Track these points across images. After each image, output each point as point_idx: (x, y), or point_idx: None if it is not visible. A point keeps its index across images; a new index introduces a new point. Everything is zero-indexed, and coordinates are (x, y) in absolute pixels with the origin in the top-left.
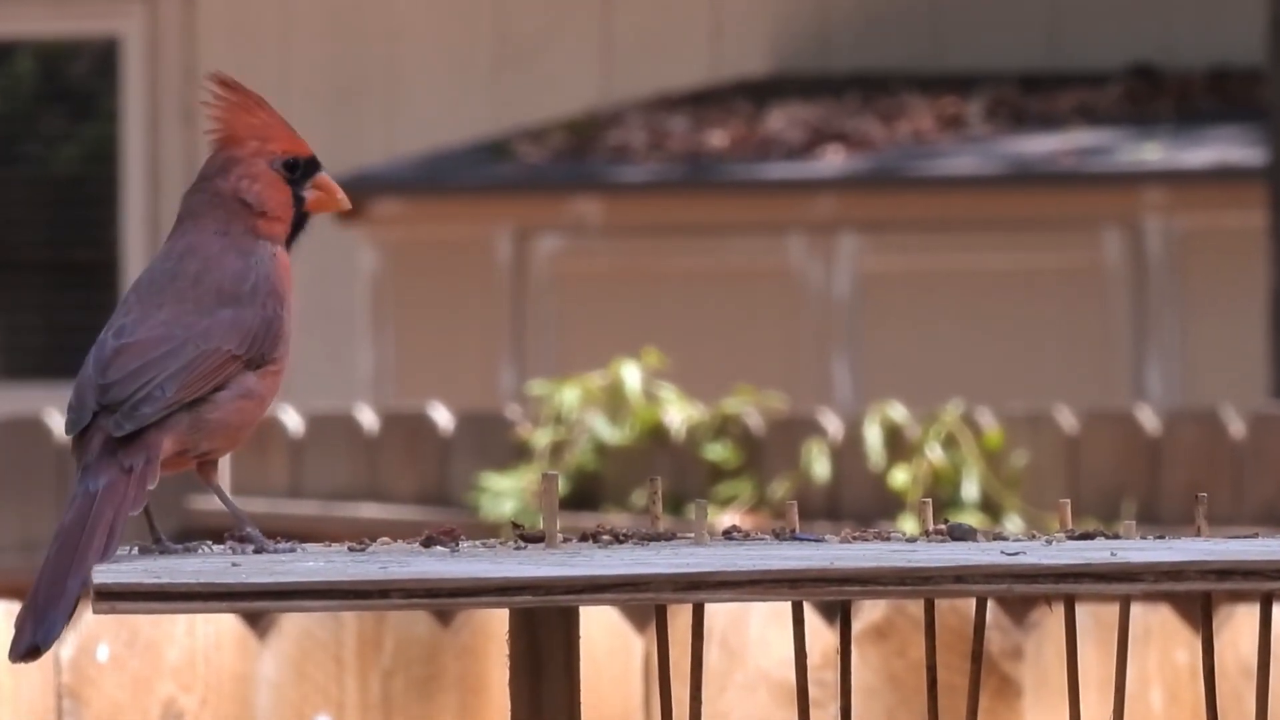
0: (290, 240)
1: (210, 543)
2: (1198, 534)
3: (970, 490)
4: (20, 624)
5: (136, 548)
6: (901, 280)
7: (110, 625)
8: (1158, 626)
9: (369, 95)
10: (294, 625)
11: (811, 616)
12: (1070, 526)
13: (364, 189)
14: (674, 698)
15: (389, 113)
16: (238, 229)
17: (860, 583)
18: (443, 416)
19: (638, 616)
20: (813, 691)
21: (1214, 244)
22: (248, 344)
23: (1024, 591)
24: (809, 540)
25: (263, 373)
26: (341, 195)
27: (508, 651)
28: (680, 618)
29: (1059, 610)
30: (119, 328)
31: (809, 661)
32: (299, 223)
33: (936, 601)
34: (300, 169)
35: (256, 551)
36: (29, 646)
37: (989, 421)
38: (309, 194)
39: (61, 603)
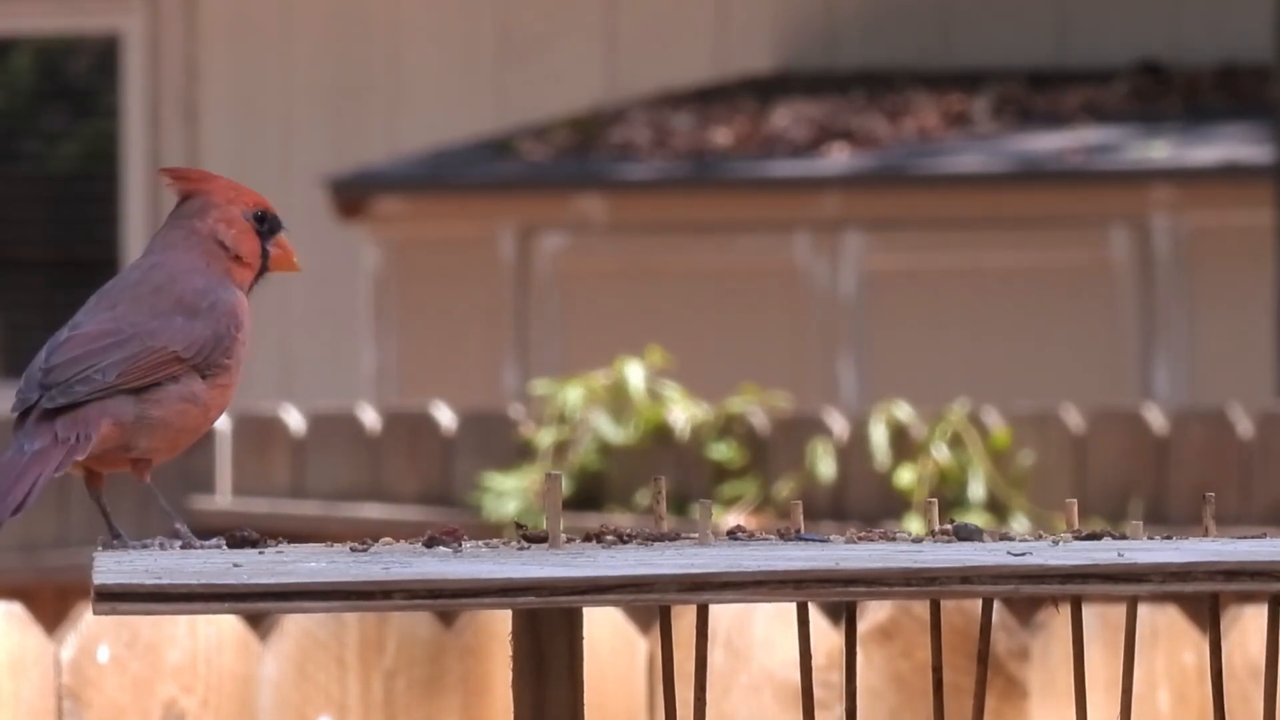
0: (250, 289)
1: (163, 539)
2: (1205, 534)
3: (976, 490)
4: None
5: (101, 546)
6: (907, 278)
7: (111, 626)
8: (1165, 627)
9: (371, 92)
10: (296, 626)
11: (816, 617)
12: (1077, 526)
13: (366, 187)
14: (678, 699)
15: (391, 110)
16: (216, 268)
17: (865, 583)
18: (445, 416)
19: (641, 617)
20: (817, 693)
21: (1222, 242)
22: (194, 350)
23: (1030, 592)
24: (814, 540)
25: (211, 383)
26: (297, 258)
27: (511, 652)
28: (684, 618)
29: (1065, 611)
30: (73, 323)
31: (814, 662)
32: (260, 273)
33: (942, 602)
34: (268, 222)
35: (184, 548)
36: None
37: (995, 421)
38: (272, 249)
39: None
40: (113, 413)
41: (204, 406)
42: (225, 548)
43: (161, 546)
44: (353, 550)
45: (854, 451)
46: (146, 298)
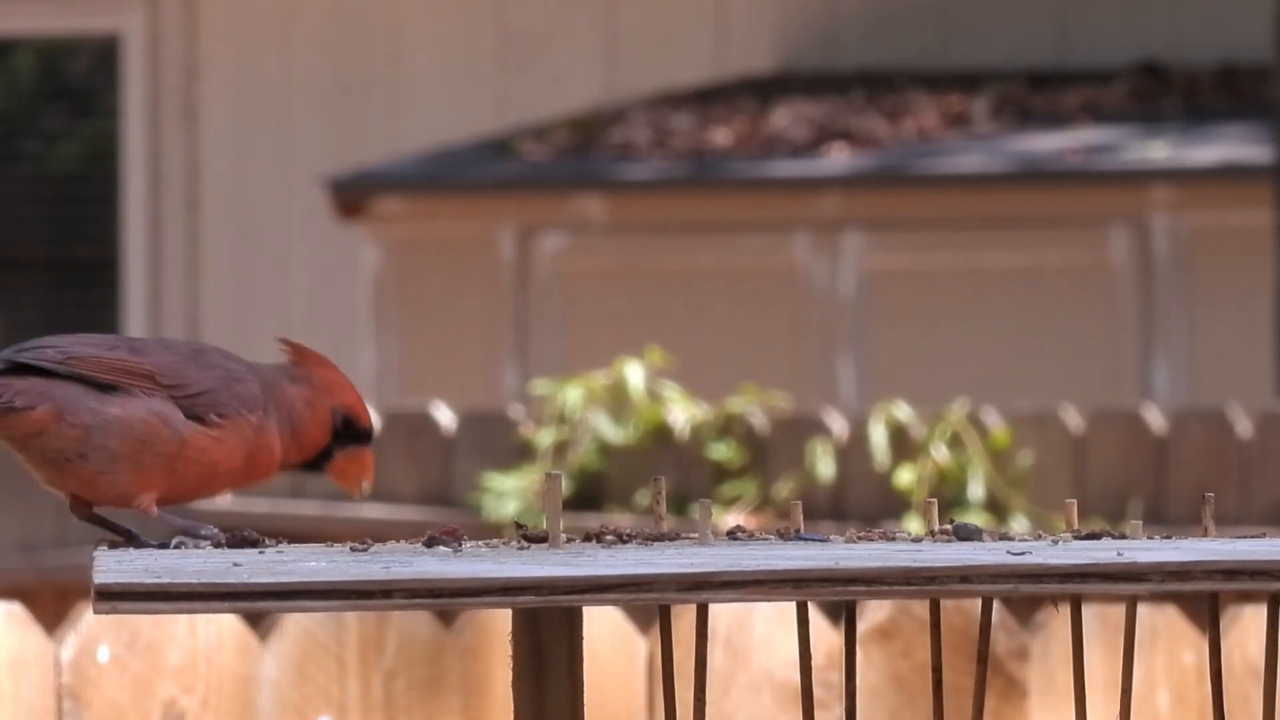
0: (290, 467)
1: (181, 539)
2: (1204, 534)
3: (976, 490)
4: None
5: (107, 544)
6: (907, 278)
7: (111, 626)
8: (1164, 627)
9: (371, 92)
10: (295, 626)
11: (816, 617)
12: (1076, 526)
13: (366, 187)
14: (678, 699)
15: (391, 110)
16: (272, 424)
17: (865, 583)
18: (445, 416)
19: (641, 617)
20: (817, 693)
21: (1221, 242)
22: (175, 381)
23: (1030, 592)
24: (813, 540)
25: (196, 429)
26: (365, 483)
27: (511, 652)
28: (684, 618)
29: (1065, 611)
30: None
31: (814, 662)
32: (310, 466)
33: (942, 602)
34: (352, 431)
35: (216, 546)
36: None
37: (995, 421)
38: (339, 456)
39: None
40: (60, 398)
41: (179, 435)
42: (224, 542)
43: (180, 546)
44: (352, 550)
45: (853, 451)
46: (167, 342)
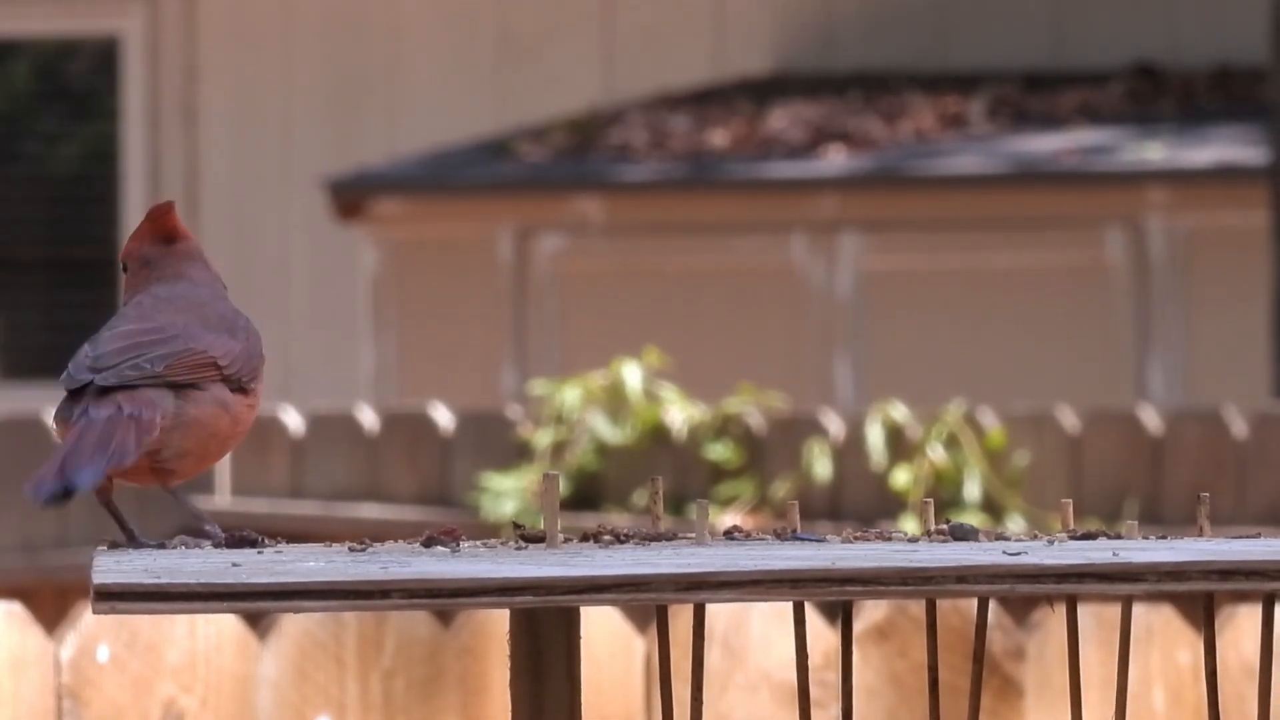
0: None
1: (184, 538)
2: (1200, 534)
3: (972, 490)
4: (40, 478)
5: (107, 544)
6: (904, 279)
7: (110, 626)
8: (1160, 627)
9: (370, 94)
10: (295, 626)
11: (813, 617)
12: (1072, 526)
13: (365, 188)
14: (675, 698)
15: (390, 111)
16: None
17: (862, 583)
18: (444, 416)
19: (639, 617)
20: (814, 692)
21: (1217, 243)
22: (228, 360)
23: (1026, 592)
24: (810, 540)
25: (241, 402)
26: None
27: (509, 652)
28: (681, 618)
29: (1061, 610)
30: (109, 326)
31: (810, 662)
32: None
33: (938, 602)
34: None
35: (215, 546)
36: (60, 489)
37: (991, 421)
38: None
39: (90, 467)
40: (160, 404)
41: (233, 418)
42: (223, 541)
43: (179, 546)
44: (351, 550)
45: (850, 452)
46: (193, 311)
